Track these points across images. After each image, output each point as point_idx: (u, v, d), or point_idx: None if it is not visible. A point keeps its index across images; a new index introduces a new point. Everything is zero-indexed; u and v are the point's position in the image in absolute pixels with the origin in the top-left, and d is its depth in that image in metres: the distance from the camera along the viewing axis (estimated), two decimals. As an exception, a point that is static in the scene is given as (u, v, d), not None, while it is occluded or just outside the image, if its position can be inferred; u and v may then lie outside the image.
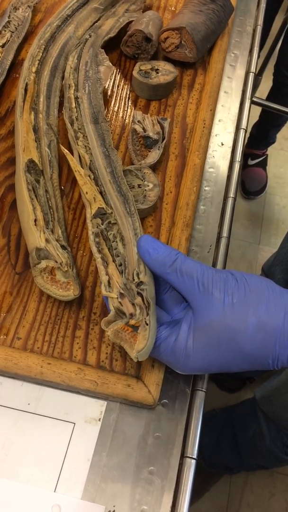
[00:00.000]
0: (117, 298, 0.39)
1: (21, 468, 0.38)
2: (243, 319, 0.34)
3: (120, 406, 0.42)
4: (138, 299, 0.38)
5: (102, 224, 0.43)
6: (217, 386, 1.31)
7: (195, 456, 0.40)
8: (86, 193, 0.45)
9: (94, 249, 0.42)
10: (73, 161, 0.47)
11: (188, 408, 0.42)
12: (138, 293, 0.38)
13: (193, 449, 0.40)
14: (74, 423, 0.40)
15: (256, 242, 1.59)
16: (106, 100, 0.59)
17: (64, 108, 0.53)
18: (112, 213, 0.44)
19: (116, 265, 0.41)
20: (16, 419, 0.40)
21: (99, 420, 0.41)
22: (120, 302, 0.39)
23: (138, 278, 0.39)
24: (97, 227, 0.43)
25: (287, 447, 0.92)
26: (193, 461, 0.40)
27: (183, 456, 0.40)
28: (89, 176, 0.47)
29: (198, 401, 0.42)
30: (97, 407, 0.41)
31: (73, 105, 0.53)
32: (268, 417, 0.92)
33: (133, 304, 0.38)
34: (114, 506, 0.38)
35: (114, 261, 0.41)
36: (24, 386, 0.42)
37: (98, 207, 0.44)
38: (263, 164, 1.70)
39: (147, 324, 0.36)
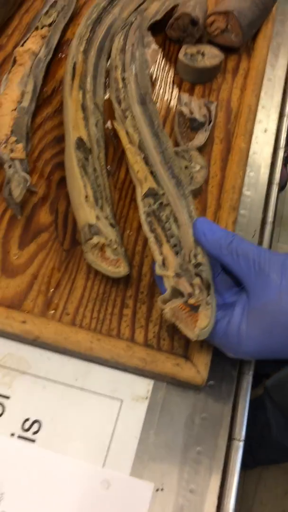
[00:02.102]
0: (174, 277, 0.39)
1: (70, 443, 0.38)
2: None
3: (167, 386, 0.41)
4: (197, 280, 0.37)
5: (154, 204, 0.43)
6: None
7: (243, 439, 0.39)
8: (137, 171, 0.45)
9: (146, 229, 0.42)
10: (124, 138, 0.47)
11: (234, 390, 0.42)
12: (197, 274, 0.38)
13: (241, 431, 0.40)
14: (122, 400, 0.40)
15: (275, 239, 1.57)
16: (151, 83, 0.59)
17: (111, 88, 0.53)
18: (164, 194, 0.44)
19: (170, 246, 0.41)
20: (63, 394, 0.40)
21: (146, 398, 0.41)
22: (176, 282, 0.38)
23: (196, 259, 0.38)
24: (148, 207, 0.43)
25: (294, 437, 0.91)
26: (241, 443, 0.39)
27: (230, 438, 0.40)
28: (139, 155, 0.46)
29: (245, 384, 0.42)
30: (144, 385, 0.41)
31: (120, 85, 0.53)
32: (276, 408, 0.91)
33: (191, 285, 0.38)
34: (162, 484, 0.37)
35: (168, 241, 0.41)
36: (71, 362, 0.41)
37: (150, 187, 0.44)
38: (285, 161, 1.68)
39: (208, 304, 0.36)
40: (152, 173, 0.45)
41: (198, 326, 0.35)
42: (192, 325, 0.36)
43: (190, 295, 0.37)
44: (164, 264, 0.40)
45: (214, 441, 0.39)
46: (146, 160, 0.46)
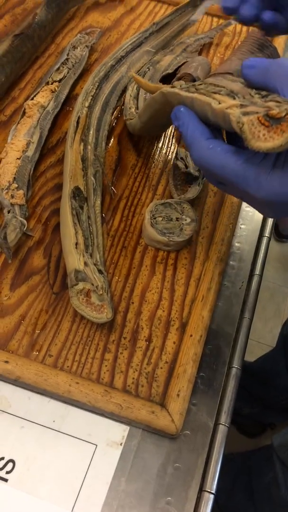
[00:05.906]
0: (239, 107, 0.33)
1: (41, 484, 0.39)
2: None
3: (142, 433, 0.42)
4: (271, 103, 0.32)
5: None
6: (236, 429, 1.27)
7: (214, 491, 0.40)
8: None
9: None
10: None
11: (209, 442, 0.42)
12: (268, 101, 0.32)
13: (212, 484, 0.40)
14: (96, 445, 0.41)
15: (285, 285, 1.57)
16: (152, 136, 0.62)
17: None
18: None
19: (221, 94, 0.35)
20: (40, 435, 0.41)
21: (121, 444, 0.41)
22: (245, 109, 0.32)
23: (260, 93, 0.34)
24: None
25: (302, 498, 0.89)
26: (212, 496, 0.39)
27: (201, 490, 0.40)
28: None
29: (221, 436, 0.42)
30: (120, 431, 0.42)
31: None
32: (285, 466, 0.89)
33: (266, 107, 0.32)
34: (129, 533, 0.38)
35: (217, 93, 0.36)
36: (51, 403, 0.43)
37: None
38: None
39: None
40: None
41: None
42: (278, 134, 0.30)
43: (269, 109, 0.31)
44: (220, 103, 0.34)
45: (184, 492, 0.40)
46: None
